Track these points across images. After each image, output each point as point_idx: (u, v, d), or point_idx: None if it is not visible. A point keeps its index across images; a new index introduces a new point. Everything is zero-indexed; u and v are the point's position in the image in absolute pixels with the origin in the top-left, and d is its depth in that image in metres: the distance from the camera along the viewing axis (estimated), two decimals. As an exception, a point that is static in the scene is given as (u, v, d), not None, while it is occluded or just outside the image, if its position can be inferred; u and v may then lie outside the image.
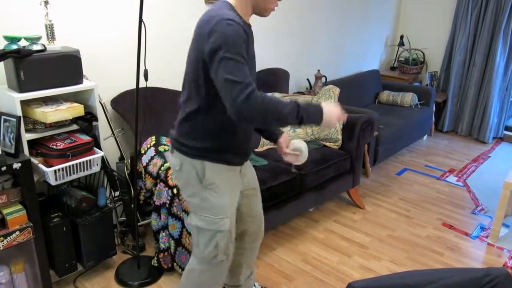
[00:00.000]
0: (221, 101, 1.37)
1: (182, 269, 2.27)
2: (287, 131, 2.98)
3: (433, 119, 4.63)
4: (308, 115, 1.38)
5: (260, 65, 3.31)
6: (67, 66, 1.99)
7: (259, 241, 1.98)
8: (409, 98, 4.28)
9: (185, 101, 1.53)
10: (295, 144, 1.79)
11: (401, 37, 4.93)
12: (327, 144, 2.98)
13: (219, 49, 1.30)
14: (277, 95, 3.12)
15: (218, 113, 1.48)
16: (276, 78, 3.29)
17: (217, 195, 1.57)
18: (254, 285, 2.17)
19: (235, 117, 1.32)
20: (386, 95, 4.43)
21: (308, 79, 3.73)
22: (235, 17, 1.36)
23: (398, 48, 5.03)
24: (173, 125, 1.62)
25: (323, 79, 3.70)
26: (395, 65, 5.10)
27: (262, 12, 1.49)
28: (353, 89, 4.10)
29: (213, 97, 1.44)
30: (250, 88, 1.29)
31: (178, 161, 1.58)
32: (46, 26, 2.00)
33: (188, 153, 1.54)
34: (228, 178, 1.61)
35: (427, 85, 4.85)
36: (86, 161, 2.05)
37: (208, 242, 1.62)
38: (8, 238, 1.85)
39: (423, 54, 4.93)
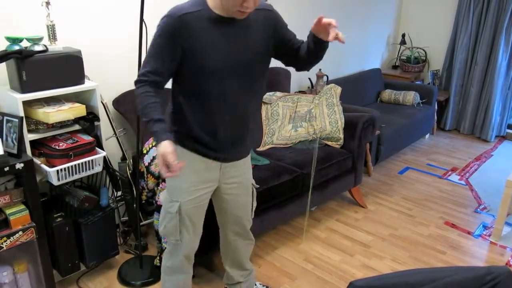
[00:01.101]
0: (176, 88, 1.57)
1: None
2: (288, 131, 2.98)
3: (435, 117, 4.62)
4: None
5: (261, 65, 3.31)
6: (68, 67, 1.99)
7: (244, 245, 1.97)
8: (411, 96, 4.28)
9: None
10: None
11: (403, 35, 4.91)
12: (329, 143, 2.98)
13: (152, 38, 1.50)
14: (278, 94, 3.12)
15: (176, 99, 1.60)
16: (277, 78, 3.29)
17: (175, 177, 1.61)
18: (255, 285, 2.17)
19: None
20: (388, 94, 4.42)
21: (309, 78, 3.73)
22: (187, 9, 1.44)
23: (400, 47, 5.02)
24: None
25: (325, 78, 3.69)
26: (397, 64, 5.09)
27: (229, 13, 1.46)
28: (354, 88, 4.10)
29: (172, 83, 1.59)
30: (140, 78, 1.49)
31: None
32: (47, 26, 2.00)
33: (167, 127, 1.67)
34: (194, 167, 1.64)
35: (429, 83, 4.83)
36: (88, 161, 2.05)
37: (163, 219, 1.72)
38: (11, 238, 1.85)
39: (425, 53, 4.92)
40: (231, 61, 1.52)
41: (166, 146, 1.42)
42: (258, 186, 1.95)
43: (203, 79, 1.51)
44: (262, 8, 1.58)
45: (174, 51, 1.46)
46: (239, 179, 1.77)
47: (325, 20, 1.43)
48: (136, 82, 1.51)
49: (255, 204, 1.92)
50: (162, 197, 1.73)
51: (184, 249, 1.75)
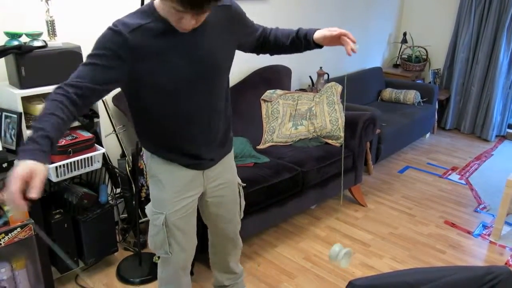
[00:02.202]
0: (137, 106, 1.45)
1: (183, 266, 2.28)
2: (289, 129, 2.97)
3: (436, 116, 4.61)
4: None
5: (262, 62, 3.30)
6: (68, 62, 1.98)
7: (232, 249, 1.92)
8: (412, 95, 4.27)
9: None
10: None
11: (404, 34, 4.90)
12: (329, 141, 2.98)
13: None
14: (279, 92, 3.12)
15: (138, 118, 1.51)
16: (278, 75, 3.28)
17: (157, 189, 1.59)
18: None
19: None
20: (388, 93, 4.41)
21: (310, 76, 3.72)
22: (136, 23, 1.27)
23: (401, 46, 5.00)
24: None
25: (325, 76, 3.68)
26: (398, 63, 5.08)
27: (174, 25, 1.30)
28: (355, 87, 4.08)
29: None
30: (64, 84, 1.21)
31: (143, 150, 1.66)
32: (47, 22, 1.99)
33: (140, 141, 1.62)
34: (175, 176, 1.56)
35: (430, 82, 4.82)
36: (87, 157, 2.05)
37: (150, 233, 1.66)
38: (10, 234, 1.85)
39: (426, 52, 4.91)
40: (193, 73, 1.38)
41: (20, 167, 1.01)
42: (245, 184, 1.88)
43: (165, 97, 1.38)
44: (221, 5, 1.42)
45: (119, 68, 1.27)
46: (222, 180, 1.69)
47: (342, 31, 1.45)
48: (56, 88, 1.21)
49: (243, 203, 1.85)
50: (147, 210, 1.66)
51: (176, 262, 1.69)
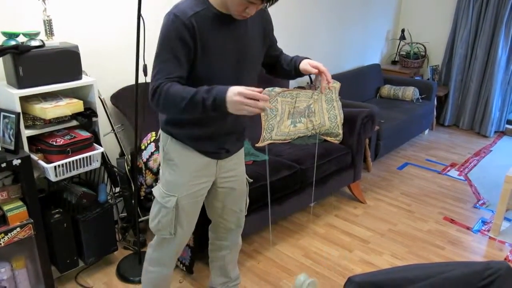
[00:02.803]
0: (186, 81, 1.50)
1: (183, 264, 2.28)
2: (287, 126, 2.97)
3: (435, 113, 4.61)
4: (208, 109, 1.35)
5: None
6: (66, 62, 1.98)
7: (233, 247, 1.95)
8: (410, 92, 4.27)
9: None
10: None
11: (402, 31, 4.90)
12: (328, 138, 2.98)
13: (158, 42, 1.44)
14: (277, 89, 3.11)
15: None
16: (276, 73, 3.27)
17: (173, 172, 1.63)
18: None
19: None
20: (387, 90, 4.41)
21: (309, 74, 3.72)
22: (192, 9, 1.40)
23: (399, 42, 5.00)
24: None
25: (324, 74, 3.68)
26: (396, 59, 5.08)
27: (231, 12, 1.43)
28: (354, 84, 4.08)
29: None
30: (156, 84, 1.40)
31: (159, 132, 1.71)
32: (44, 21, 1.99)
33: (161, 126, 1.66)
34: (191, 161, 1.62)
35: (428, 79, 4.83)
36: (86, 157, 2.05)
37: (156, 214, 1.69)
38: (9, 234, 1.85)
39: (425, 48, 4.91)
40: (237, 59, 1.52)
41: (234, 88, 1.31)
42: (252, 180, 1.93)
43: (211, 80, 1.46)
44: None
45: (189, 53, 1.41)
46: (234, 172, 1.77)
47: (322, 68, 1.63)
48: (154, 90, 1.39)
49: (247, 201, 1.90)
50: (155, 192, 1.70)
51: (177, 244, 1.74)
